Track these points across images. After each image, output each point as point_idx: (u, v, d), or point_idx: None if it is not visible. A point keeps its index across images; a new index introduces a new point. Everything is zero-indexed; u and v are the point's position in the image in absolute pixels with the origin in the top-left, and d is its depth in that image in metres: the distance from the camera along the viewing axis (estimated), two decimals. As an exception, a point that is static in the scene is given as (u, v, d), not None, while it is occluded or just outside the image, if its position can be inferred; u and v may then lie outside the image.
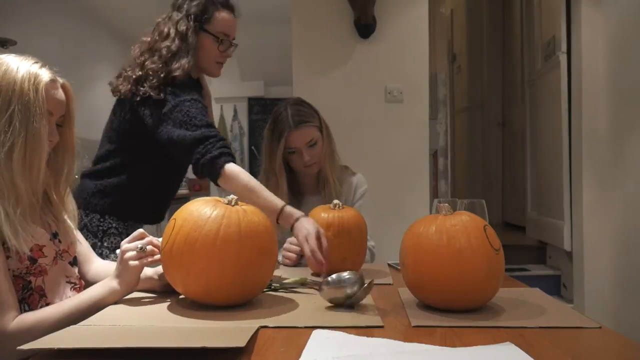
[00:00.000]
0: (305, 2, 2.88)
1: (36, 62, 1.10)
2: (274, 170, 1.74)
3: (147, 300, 1.09)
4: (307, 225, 1.32)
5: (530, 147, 3.77)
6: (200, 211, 1.00)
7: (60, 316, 1.01)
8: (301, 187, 1.87)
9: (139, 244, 1.09)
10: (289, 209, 1.40)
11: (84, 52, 4.84)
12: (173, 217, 1.04)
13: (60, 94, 1.12)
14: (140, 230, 1.14)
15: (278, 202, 1.41)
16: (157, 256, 1.10)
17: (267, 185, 1.51)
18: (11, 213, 1.02)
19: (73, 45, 4.63)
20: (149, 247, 1.10)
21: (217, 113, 6.07)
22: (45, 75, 1.08)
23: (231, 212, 1.01)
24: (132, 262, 1.07)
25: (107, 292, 1.08)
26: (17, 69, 1.05)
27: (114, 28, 5.45)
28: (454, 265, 0.95)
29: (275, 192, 1.52)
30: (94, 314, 1.03)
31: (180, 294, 1.09)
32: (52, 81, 1.09)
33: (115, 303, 1.07)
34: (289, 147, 1.73)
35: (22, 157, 1.04)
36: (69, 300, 1.06)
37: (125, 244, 1.11)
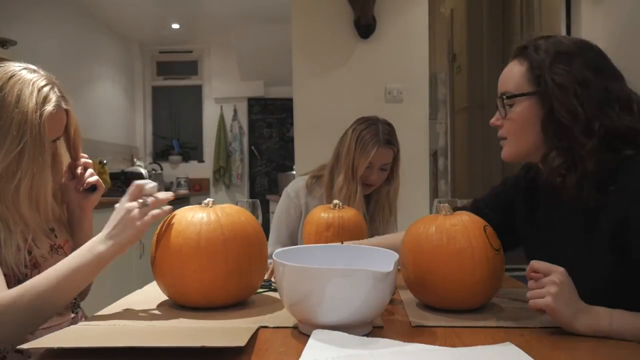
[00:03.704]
0: (305, 2, 2.88)
1: (47, 84, 1.09)
2: (357, 179, 1.69)
3: (147, 300, 1.09)
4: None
5: (530, 147, 3.77)
6: (179, 219, 1.02)
7: (40, 289, 0.94)
8: None
9: (140, 200, 1.01)
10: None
11: (84, 52, 4.83)
12: (155, 232, 1.05)
13: (60, 119, 1.12)
14: (136, 183, 1.03)
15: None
16: (166, 207, 1.03)
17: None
18: (21, 247, 1.05)
19: (73, 45, 4.63)
20: (150, 199, 1.02)
21: (217, 113, 6.08)
22: (51, 103, 1.08)
23: (209, 212, 1.03)
24: (138, 222, 0.98)
25: (93, 258, 0.97)
26: (31, 93, 1.05)
27: (114, 28, 5.44)
28: (454, 265, 0.95)
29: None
30: (79, 284, 0.98)
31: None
32: (58, 107, 1.09)
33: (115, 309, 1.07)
34: (372, 162, 1.69)
35: (29, 193, 1.05)
36: (50, 270, 0.97)
37: (127, 202, 1.00)
